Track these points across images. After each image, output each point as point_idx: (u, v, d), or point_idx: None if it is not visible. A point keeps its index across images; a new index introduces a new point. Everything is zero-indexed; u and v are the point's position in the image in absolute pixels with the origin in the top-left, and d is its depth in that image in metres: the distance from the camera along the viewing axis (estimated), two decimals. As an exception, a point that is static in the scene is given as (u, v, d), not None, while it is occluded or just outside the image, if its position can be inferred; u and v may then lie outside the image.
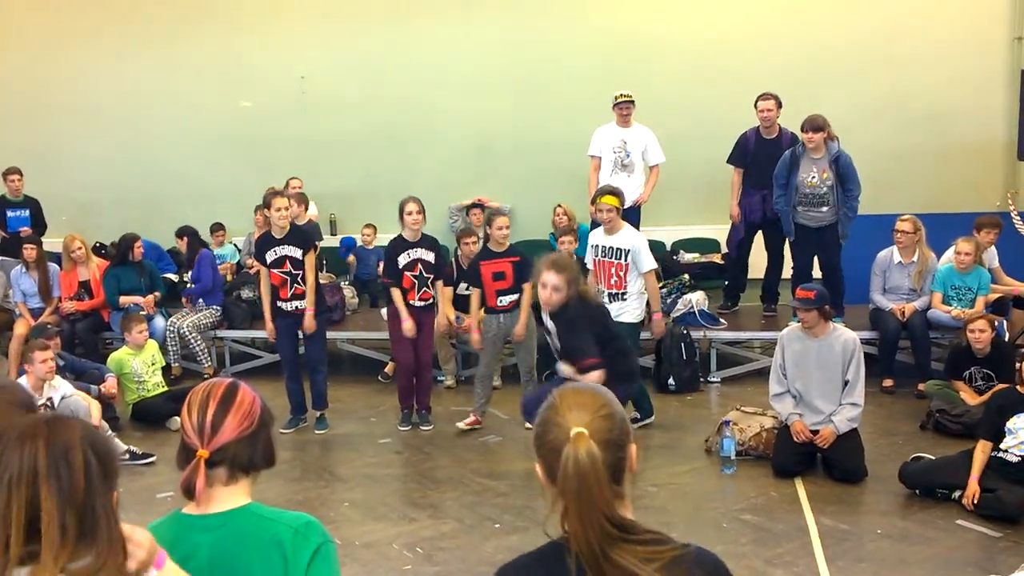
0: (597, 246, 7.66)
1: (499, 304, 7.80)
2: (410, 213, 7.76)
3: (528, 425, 5.98)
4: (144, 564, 2.01)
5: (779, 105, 9.03)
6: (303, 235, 7.99)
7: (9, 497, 1.84)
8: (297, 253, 7.73)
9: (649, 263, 7.51)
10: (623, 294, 7.51)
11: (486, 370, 7.98)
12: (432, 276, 7.87)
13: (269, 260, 7.74)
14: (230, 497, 2.24)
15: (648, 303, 7.71)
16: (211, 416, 2.21)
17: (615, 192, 7.61)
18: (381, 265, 8.91)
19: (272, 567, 2.17)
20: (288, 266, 7.73)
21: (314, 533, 2.25)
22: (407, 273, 7.80)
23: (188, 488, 2.19)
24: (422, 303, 7.87)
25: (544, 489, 1.96)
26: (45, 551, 1.82)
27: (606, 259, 7.56)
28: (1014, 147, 9.40)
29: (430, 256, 7.86)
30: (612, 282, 7.53)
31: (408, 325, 7.76)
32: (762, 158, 9.10)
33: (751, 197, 9.24)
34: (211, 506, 2.23)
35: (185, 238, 10.10)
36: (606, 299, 7.45)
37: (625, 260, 7.47)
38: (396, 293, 7.86)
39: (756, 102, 9.08)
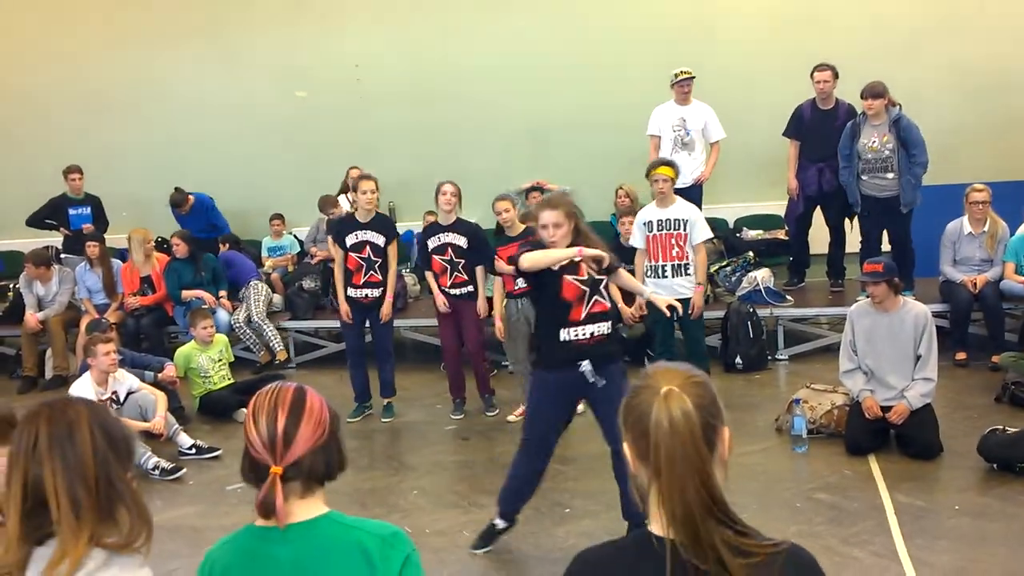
0: (651, 222, 7.55)
1: (516, 287, 7.53)
2: (444, 194, 7.70)
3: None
4: None
5: (836, 76, 8.88)
6: (387, 223, 8.02)
7: (10, 476, 1.92)
8: (379, 240, 7.74)
9: (705, 233, 7.54)
10: (686, 266, 7.48)
11: (515, 359, 7.70)
12: (464, 261, 7.74)
13: (349, 243, 7.73)
14: (307, 508, 2.13)
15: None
16: (282, 428, 2.08)
17: (670, 163, 7.60)
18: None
19: (358, 575, 2.08)
20: (368, 252, 7.72)
21: (401, 542, 2.14)
22: (436, 257, 7.75)
23: (266, 507, 2.06)
24: (456, 290, 7.78)
25: (634, 472, 1.82)
26: (62, 526, 1.86)
27: (663, 232, 7.48)
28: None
29: (461, 240, 7.73)
30: (674, 254, 7.48)
31: (440, 300, 7.77)
32: (818, 130, 8.98)
33: (807, 170, 9.10)
34: (288, 518, 2.10)
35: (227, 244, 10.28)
36: (668, 274, 7.48)
37: (685, 230, 7.43)
38: (428, 276, 7.91)
39: (812, 72, 8.95)
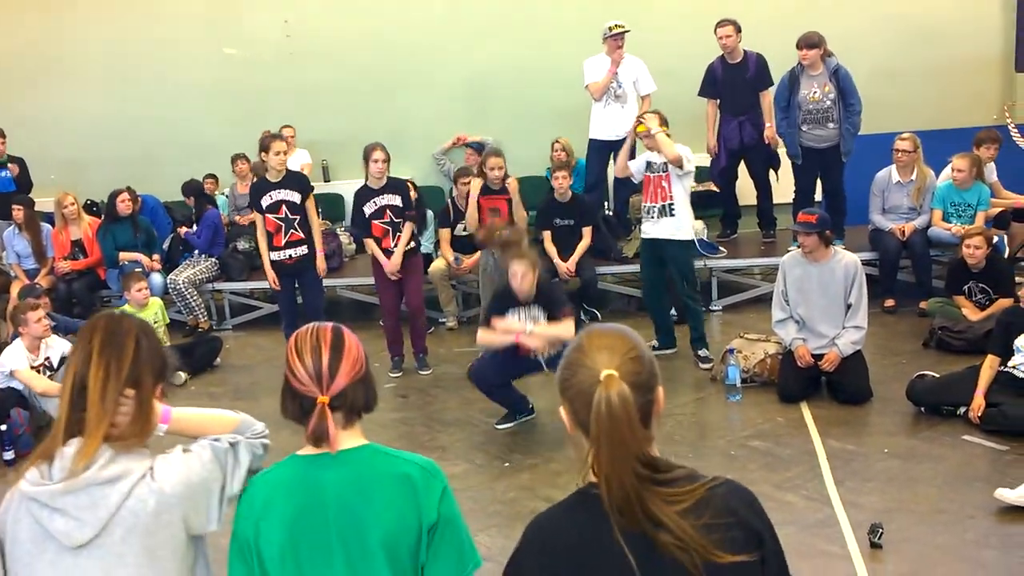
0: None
1: None
2: (376, 162, 7.55)
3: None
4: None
5: (738, 30, 8.89)
6: (301, 179, 7.87)
7: (66, 374, 2.26)
8: (295, 197, 7.60)
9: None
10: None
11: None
12: (403, 220, 7.71)
13: (264, 205, 7.60)
14: (349, 438, 2.30)
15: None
16: (326, 362, 2.27)
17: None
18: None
19: (403, 500, 2.21)
20: (284, 211, 7.59)
21: (439, 472, 2.30)
22: (376, 222, 7.65)
23: (319, 435, 2.24)
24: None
25: (569, 435, 1.90)
26: (90, 421, 2.18)
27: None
28: (1011, 60, 9.25)
29: (397, 200, 7.67)
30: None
31: (390, 266, 7.66)
32: (731, 85, 9.03)
33: (728, 124, 9.13)
34: (332, 448, 2.26)
35: (192, 197, 10.03)
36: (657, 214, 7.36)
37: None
38: (369, 243, 7.77)
39: (715, 29, 8.94)
